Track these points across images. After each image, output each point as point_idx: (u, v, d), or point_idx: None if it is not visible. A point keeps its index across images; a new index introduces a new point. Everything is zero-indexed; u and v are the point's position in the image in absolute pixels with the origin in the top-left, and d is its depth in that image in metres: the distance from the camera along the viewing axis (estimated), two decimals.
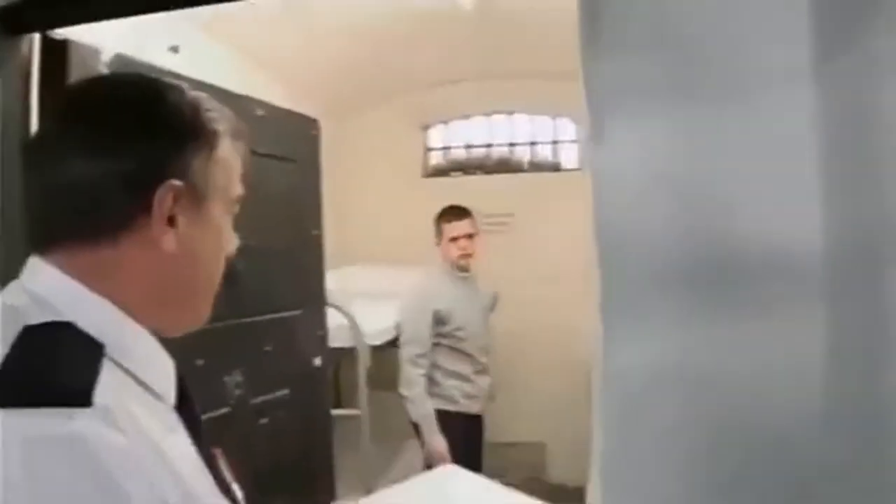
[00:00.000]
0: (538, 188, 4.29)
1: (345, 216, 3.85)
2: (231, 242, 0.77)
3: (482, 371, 3.12)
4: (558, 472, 4.19)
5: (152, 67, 1.35)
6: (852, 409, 0.69)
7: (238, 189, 0.76)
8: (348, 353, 2.95)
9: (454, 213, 3.13)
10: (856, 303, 0.70)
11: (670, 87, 0.73)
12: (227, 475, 0.79)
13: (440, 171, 4.69)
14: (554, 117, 4.59)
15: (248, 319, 2.01)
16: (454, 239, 3.07)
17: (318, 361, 2.31)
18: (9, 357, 0.58)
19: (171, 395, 0.70)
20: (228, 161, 0.73)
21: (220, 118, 0.72)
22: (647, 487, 0.74)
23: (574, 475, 4.04)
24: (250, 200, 0.79)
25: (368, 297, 3.20)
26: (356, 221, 4.11)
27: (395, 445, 3.45)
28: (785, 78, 0.71)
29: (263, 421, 1.94)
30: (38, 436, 0.53)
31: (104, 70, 1.20)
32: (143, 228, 0.66)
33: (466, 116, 4.66)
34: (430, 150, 4.75)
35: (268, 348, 2.08)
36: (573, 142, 4.60)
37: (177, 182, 0.66)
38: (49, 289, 0.64)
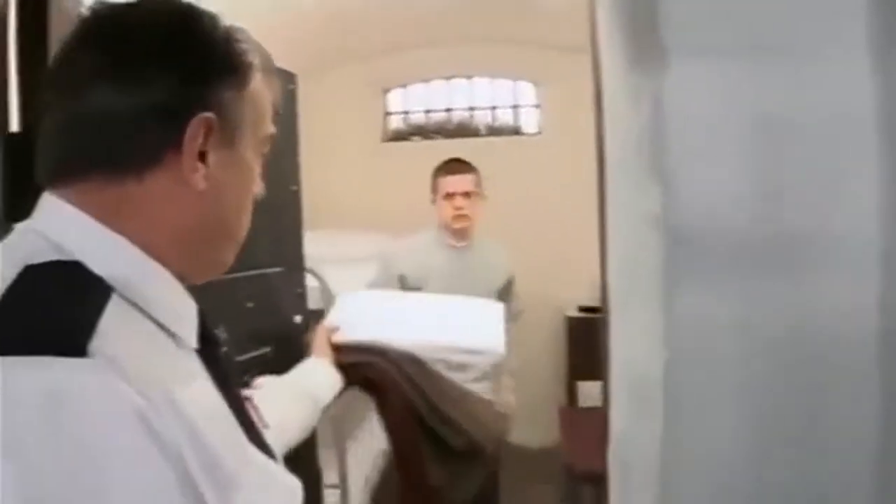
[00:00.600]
0: (498, 152, 4.30)
1: (304, 181, 3.79)
2: (259, 186, 0.74)
3: (480, 378, 2.31)
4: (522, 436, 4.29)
5: None
6: None
7: (269, 128, 0.72)
8: (318, 315, 2.94)
9: (452, 165, 2.61)
10: None
11: (738, 34, 0.76)
12: (258, 420, 0.77)
13: (400, 136, 4.65)
14: (514, 81, 4.58)
15: (230, 276, 2.00)
16: (449, 196, 2.53)
17: (298, 319, 2.27)
18: (3, 302, 0.53)
19: (192, 338, 0.66)
20: (260, 96, 0.69)
21: (252, 50, 0.68)
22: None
23: (538, 437, 4.15)
24: None
25: (331, 262, 3.17)
26: (315, 187, 4.04)
27: (367, 399, 3.47)
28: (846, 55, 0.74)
29: (247, 378, 1.95)
30: (28, 388, 0.49)
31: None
32: (172, 164, 0.62)
33: (426, 80, 4.62)
34: (389, 114, 4.70)
35: (250, 305, 2.05)
36: (534, 106, 4.61)
37: (209, 114, 0.62)
38: (61, 227, 0.60)
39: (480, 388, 2.25)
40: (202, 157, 0.63)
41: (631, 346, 0.90)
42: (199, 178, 0.63)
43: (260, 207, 2.26)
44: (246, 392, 0.84)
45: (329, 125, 4.23)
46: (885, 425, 0.78)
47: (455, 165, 2.61)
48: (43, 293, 0.55)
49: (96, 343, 0.52)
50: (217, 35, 0.65)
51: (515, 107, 4.61)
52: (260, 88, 0.69)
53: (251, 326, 2.02)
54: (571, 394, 4.14)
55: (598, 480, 1.05)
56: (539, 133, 4.59)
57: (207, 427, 0.58)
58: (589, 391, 3.93)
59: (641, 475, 0.87)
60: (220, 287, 1.90)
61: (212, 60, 0.64)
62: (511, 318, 2.37)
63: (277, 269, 2.19)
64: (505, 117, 4.62)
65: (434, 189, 2.60)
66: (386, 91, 4.66)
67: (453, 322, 1.66)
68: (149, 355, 0.57)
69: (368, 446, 3.09)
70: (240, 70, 0.66)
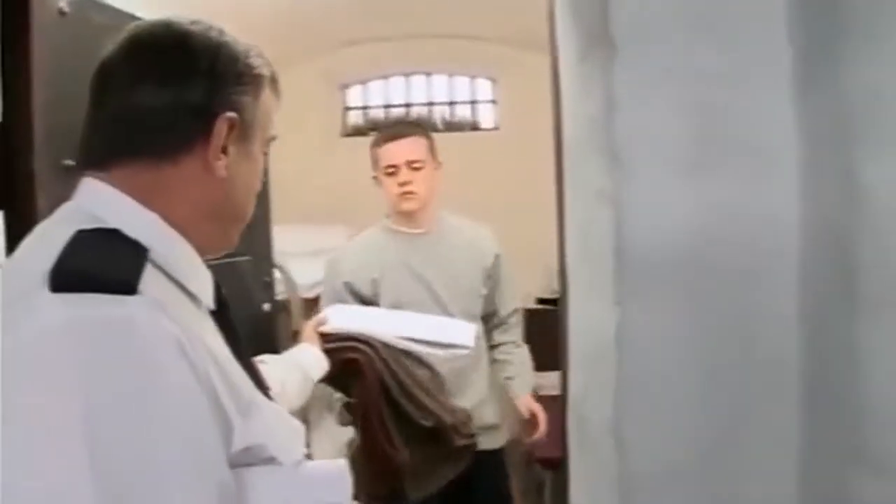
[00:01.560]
0: (456, 147, 4.37)
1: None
2: (260, 180, 0.85)
3: (462, 387, 1.87)
4: None
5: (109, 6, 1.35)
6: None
7: (273, 130, 0.84)
8: (282, 305, 2.99)
9: (390, 133, 2.01)
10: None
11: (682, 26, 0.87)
12: (266, 382, 0.86)
13: (359, 131, 4.69)
14: (472, 77, 4.67)
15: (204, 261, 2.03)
16: (390, 170, 1.91)
17: (267, 307, 2.34)
18: (63, 253, 0.63)
19: (209, 300, 0.78)
20: (269, 103, 0.82)
21: (264, 65, 0.81)
22: None
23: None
24: None
25: (291, 255, 3.21)
26: (275, 181, 4.06)
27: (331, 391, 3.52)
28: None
29: None
30: (91, 317, 0.59)
31: (65, 8, 1.19)
32: (201, 153, 0.73)
33: (385, 76, 4.67)
34: (348, 109, 4.74)
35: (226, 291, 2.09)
36: (491, 102, 4.71)
37: (232, 114, 0.75)
38: (102, 204, 0.71)
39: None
40: (224, 150, 0.75)
41: (586, 310, 0.99)
42: (221, 166, 0.75)
43: None
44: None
45: (288, 120, 4.23)
46: (806, 383, 0.89)
47: (396, 130, 2.04)
48: (96, 248, 0.66)
49: (142, 286, 0.62)
50: (239, 50, 0.78)
51: (473, 102, 4.70)
52: (269, 96, 0.82)
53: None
54: None
55: (557, 466, 1.11)
56: (496, 129, 4.69)
57: (226, 366, 0.69)
58: (549, 381, 4.04)
59: (596, 428, 0.96)
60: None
61: (235, 71, 0.77)
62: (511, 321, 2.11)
63: (245, 258, 2.19)
64: (463, 113, 4.70)
65: (374, 164, 1.97)
66: (345, 86, 4.71)
67: (429, 321, 1.74)
68: (177, 305, 0.68)
69: (334, 435, 3.15)
70: (256, 80, 0.79)
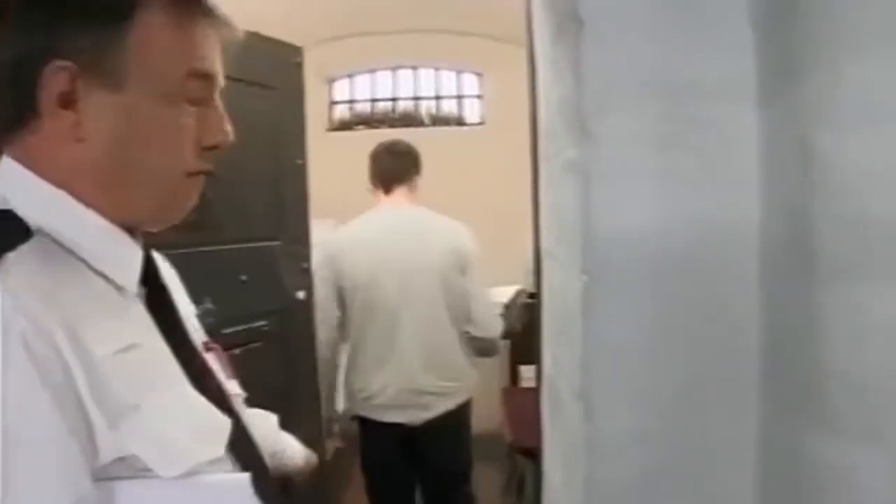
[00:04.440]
0: (442, 142, 4.41)
1: None
2: (214, 131, 0.71)
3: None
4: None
5: None
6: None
7: (194, 66, 0.67)
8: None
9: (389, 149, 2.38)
10: None
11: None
12: (220, 370, 0.80)
13: (345, 125, 4.72)
14: (458, 72, 4.71)
15: (221, 247, 1.95)
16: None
17: (301, 294, 2.22)
18: None
19: (129, 282, 0.68)
20: (162, 36, 0.64)
21: None
22: None
23: (483, 420, 4.27)
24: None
25: None
26: None
27: None
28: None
29: (235, 352, 1.92)
30: None
31: None
32: (52, 115, 0.62)
33: (372, 70, 4.70)
34: (334, 103, 4.77)
35: (243, 278, 2.01)
36: (477, 97, 4.74)
37: (62, 63, 0.60)
38: (5, 181, 0.63)
39: None
40: (70, 105, 0.62)
41: (556, 283, 1.03)
42: (66, 127, 0.62)
43: (260, 181, 2.08)
44: (212, 343, 0.85)
45: None
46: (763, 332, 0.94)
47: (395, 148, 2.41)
48: None
49: (4, 271, 0.56)
50: None
51: (459, 97, 4.74)
52: (159, 26, 0.64)
53: (245, 299, 1.97)
54: (514, 378, 4.30)
55: (537, 456, 1.14)
56: (482, 123, 4.73)
57: (115, 361, 0.60)
58: (530, 374, 4.08)
59: (566, 396, 1.00)
60: (212, 258, 1.85)
61: (63, 6, 0.61)
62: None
63: (275, 243, 2.13)
64: (449, 107, 4.74)
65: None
66: (331, 80, 4.73)
67: None
68: (60, 292, 0.60)
69: None
70: (114, 9, 0.62)
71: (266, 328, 2.08)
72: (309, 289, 2.21)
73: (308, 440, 1.09)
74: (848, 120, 0.79)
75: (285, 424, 1.06)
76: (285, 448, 1.03)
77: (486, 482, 3.70)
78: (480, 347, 2.28)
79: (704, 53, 0.94)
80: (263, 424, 0.93)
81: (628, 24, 0.94)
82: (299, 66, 2.36)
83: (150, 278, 0.72)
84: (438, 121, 4.70)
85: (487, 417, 4.25)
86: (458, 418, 2.26)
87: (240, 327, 1.96)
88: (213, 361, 0.81)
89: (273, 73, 2.20)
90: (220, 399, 0.73)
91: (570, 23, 0.97)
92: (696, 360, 0.94)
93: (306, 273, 2.23)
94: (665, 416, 0.93)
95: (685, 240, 0.94)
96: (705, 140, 0.94)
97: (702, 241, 0.94)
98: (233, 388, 0.84)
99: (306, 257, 2.27)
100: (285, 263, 2.16)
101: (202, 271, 1.68)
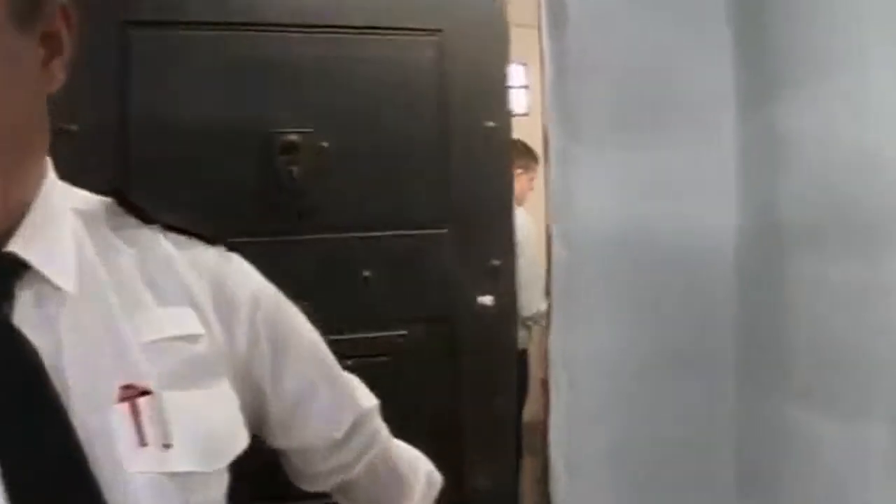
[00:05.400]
0: None
1: None
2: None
3: None
4: None
5: None
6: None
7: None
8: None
9: None
10: None
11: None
12: (129, 427, 0.60)
13: None
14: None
15: (329, 235, 1.65)
16: None
17: (486, 300, 1.73)
18: None
19: None
20: None
21: None
22: None
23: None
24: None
25: None
26: None
27: None
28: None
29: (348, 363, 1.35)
30: None
31: None
32: None
33: None
34: None
35: (366, 274, 1.66)
36: (523, 87, 4.71)
37: None
38: None
39: None
40: None
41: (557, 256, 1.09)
42: None
43: (410, 150, 1.74)
44: (148, 385, 0.62)
45: None
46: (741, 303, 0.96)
47: None
48: None
49: None
50: None
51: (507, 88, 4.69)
52: None
53: (367, 301, 1.63)
54: None
55: None
56: (527, 114, 4.61)
57: None
58: None
59: (558, 370, 1.06)
60: (316, 250, 1.57)
61: None
62: None
63: (439, 230, 1.71)
64: None
65: None
66: None
67: None
68: None
69: None
70: None
71: (401, 339, 1.66)
72: (500, 293, 1.73)
73: None
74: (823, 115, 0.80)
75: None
76: None
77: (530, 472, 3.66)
78: None
79: (685, 54, 0.96)
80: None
81: (613, 21, 0.99)
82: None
83: None
84: None
85: (532, 411, 4.21)
86: None
87: (357, 335, 1.60)
88: (123, 415, 0.60)
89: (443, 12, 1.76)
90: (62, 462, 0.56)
91: (561, 14, 1.02)
92: (674, 331, 0.96)
93: (495, 272, 1.74)
94: (644, 383, 0.96)
95: (663, 221, 0.97)
96: (683, 128, 0.96)
97: (680, 219, 0.96)
98: (146, 458, 0.61)
99: (500, 251, 1.76)
100: (455, 258, 1.70)
101: (303, 265, 1.52)
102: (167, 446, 0.61)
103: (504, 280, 1.74)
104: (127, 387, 0.61)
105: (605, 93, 0.97)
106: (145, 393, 0.62)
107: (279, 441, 0.83)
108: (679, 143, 0.97)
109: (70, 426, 0.57)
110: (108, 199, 0.72)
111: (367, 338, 1.63)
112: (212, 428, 0.66)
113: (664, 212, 0.96)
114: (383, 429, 0.93)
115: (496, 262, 1.76)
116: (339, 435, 0.84)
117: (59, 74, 0.59)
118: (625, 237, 0.96)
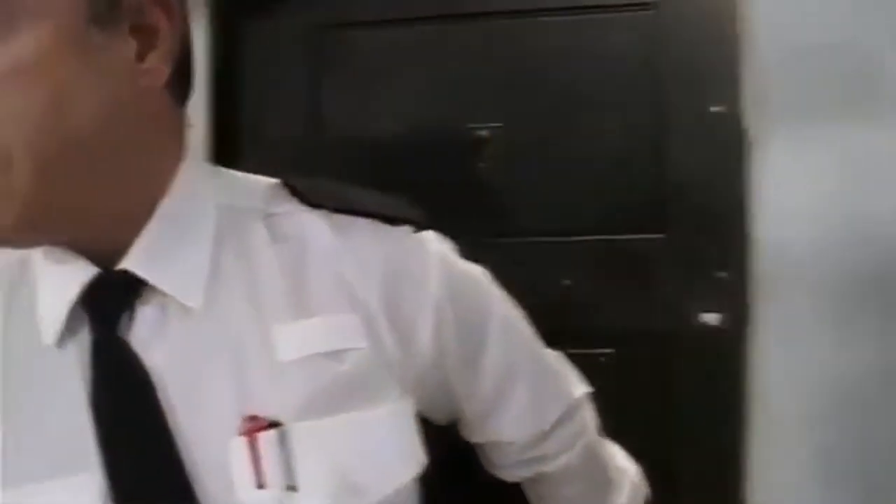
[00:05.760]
0: None
1: None
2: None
3: None
4: None
5: None
6: None
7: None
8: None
9: None
10: None
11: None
12: (249, 464, 0.51)
13: None
14: None
15: (524, 239, 1.49)
16: None
17: (709, 318, 1.45)
18: None
19: (49, 331, 0.53)
20: None
21: None
22: None
23: None
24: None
25: None
26: None
27: None
28: None
29: None
30: None
31: None
32: None
33: None
34: None
35: (567, 283, 1.47)
36: None
37: None
38: None
39: None
40: None
41: None
42: None
43: (620, 143, 1.48)
44: (277, 415, 0.53)
45: None
46: None
47: None
48: None
49: None
50: None
51: None
52: None
53: (569, 312, 1.44)
54: None
55: None
56: None
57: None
58: None
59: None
60: (519, 253, 1.41)
61: None
62: None
63: (654, 235, 1.46)
64: None
65: None
66: None
67: None
68: None
69: None
70: None
71: (603, 358, 1.44)
72: (727, 310, 1.43)
73: None
74: None
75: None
76: None
77: None
78: None
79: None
80: None
81: None
82: None
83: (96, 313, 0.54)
84: None
85: None
86: None
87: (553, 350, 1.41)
88: (240, 450, 0.52)
89: None
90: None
91: None
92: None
93: (721, 285, 1.44)
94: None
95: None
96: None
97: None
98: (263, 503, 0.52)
99: (727, 260, 1.43)
100: (673, 267, 1.45)
101: (488, 272, 1.33)
102: (291, 488, 0.52)
103: (732, 295, 1.42)
104: (251, 417, 0.53)
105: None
106: (274, 425, 0.53)
107: (475, 437, 0.74)
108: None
109: (178, 460, 0.51)
110: (274, 182, 0.63)
111: (565, 355, 1.42)
112: (357, 462, 0.55)
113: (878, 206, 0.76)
114: (592, 420, 0.80)
115: (722, 274, 1.44)
116: (545, 427, 0.72)
117: (160, 67, 0.53)
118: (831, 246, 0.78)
